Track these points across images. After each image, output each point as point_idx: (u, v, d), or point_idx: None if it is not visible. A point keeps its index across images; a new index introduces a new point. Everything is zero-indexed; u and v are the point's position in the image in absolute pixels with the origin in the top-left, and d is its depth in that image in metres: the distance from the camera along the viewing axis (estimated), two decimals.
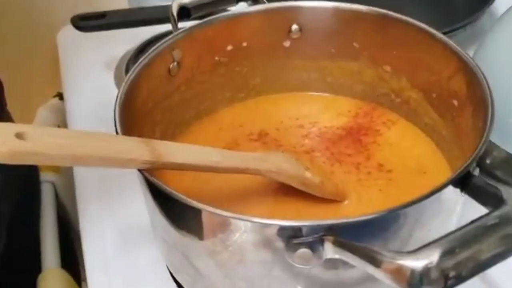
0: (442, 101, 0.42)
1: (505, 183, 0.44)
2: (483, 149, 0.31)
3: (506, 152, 0.44)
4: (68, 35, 0.71)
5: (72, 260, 0.56)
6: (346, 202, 0.41)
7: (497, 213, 0.26)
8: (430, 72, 0.42)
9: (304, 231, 0.28)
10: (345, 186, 0.42)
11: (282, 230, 0.28)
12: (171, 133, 0.45)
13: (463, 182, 0.31)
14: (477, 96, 0.36)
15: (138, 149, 0.31)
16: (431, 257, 0.24)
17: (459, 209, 0.34)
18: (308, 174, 0.40)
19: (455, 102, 0.40)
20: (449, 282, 0.25)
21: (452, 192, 0.31)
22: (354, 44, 0.47)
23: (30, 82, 0.77)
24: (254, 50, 0.48)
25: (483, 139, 0.32)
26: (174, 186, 0.41)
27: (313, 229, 0.28)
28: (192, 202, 0.29)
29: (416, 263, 0.24)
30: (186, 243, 0.34)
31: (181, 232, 0.33)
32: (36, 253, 0.55)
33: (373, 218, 0.27)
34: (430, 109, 0.44)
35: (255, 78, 0.50)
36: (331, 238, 0.27)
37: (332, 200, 0.40)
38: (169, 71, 0.43)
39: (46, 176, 0.62)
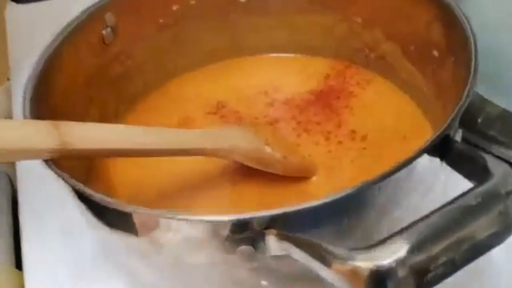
0: (421, 53, 0.36)
1: (501, 143, 0.39)
2: (465, 105, 0.25)
3: (501, 108, 0.39)
4: (16, 11, 0.64)
5: None
6: (314, 178, 0.35)
7: (481, 189, 0.20)
8: (406, 20, 0.36)
9: (242, 226, 0.22)
10: (313, 159, 0.36)
11: (216, 226, 0.22)
12: (114, 111, 0.39)
13: (442, 149, 0.25)
14: (459, 43, 0.30)
15: (40, 135, 0.25)
16: (396, 254, 0.19)
17: (442, 183, 0.28)
18: (267, 149, 0.34)
19: (435, 53, 0.34)
20: (424, 282, 0.19)
21: (429, 162, 0.25)
22: None
23: None
24: (205, 8, 0.41)
25: (465, 92, 0.25)
26: (118, 173, 0.36)
27: (252, 223, 0.22)
28: (106, 200, 0.23)
29: (376, 263, 0.19)
30: (118, 243, 0.28)
31: (110, 231, 0.27)
32: None
33: (322, 205, 0.21)
34: (408, 63, 0.38)
35: (211, 41, 0.43)
36: (273, 231, 0.22)
37: (299, 178, 0.35)
38: (102, 38, 0.37)
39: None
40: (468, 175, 0.23)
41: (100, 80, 0.38)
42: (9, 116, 0.57)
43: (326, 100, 0.40)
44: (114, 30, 0.38)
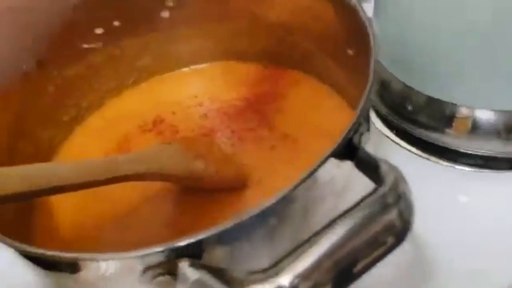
0: (338, 51, 0.36)
1: (431, 128, 0.40)
2: (365, 109, 0.26)
3: (425, 95, 0.40)
4: None
5: None
6: (249, 186, 0.36)
7: (368, 200, 0.21)
8: (318, 21, 0.36)
9: (151, 259, 0.23)
10: (248, 167, 0.37)
11: (131, 261, 0.23)
12: (48, 143, 0.39)
13: (349, 153, 0.26)
14: (363, 41, 0.30)
15: None
16: (283, 279, 0.19)
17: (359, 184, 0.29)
18: (198, 165, 0.34)
19: (350, 51, 0.35)
20: None
21: (336, 167, 0.26)
22: (231, 4, 0.41)
23: None
24: (129, 27, 0.42)
25: (366, 91, 0.26)
26: (63, 205, 0.37)
27: (163, 255, 0.22)
28: (17, 245, 0.24)
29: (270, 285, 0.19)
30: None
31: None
32: None
33: (226, 230, 0.22)
34: (330, 61, 0.38)
35: (141, 58, 0.44)
36: (186, 260, 0.22)
37: (235, 188, 0.35)
38: (28, 73, 0.37)
39: None
40: (372, 179, 0.24)
41: (30, 114, 0.38)
42: None
43: (257, 106, 0.41)
44: (39, 64, 0.38)
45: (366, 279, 0.21)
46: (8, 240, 0.24)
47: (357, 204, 0.21)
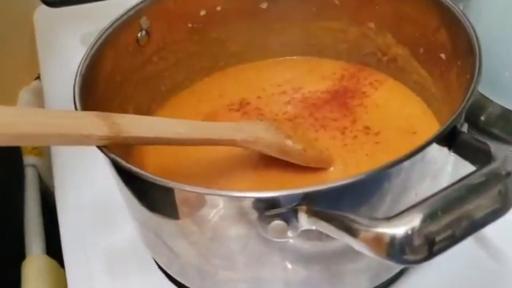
0: (430, 56, 0.39)
1: (502, 140, 0.42)
2: (470, 102, 0.28)
3: (502, 107, 0.42)
4: (44, 14, 0.68)
5: (57, 245, 0.55)
6: (331, 169, 0.38)
7: (484, 170, 0.23)
8: (415, 25, 0.39)
9: (275, 202, 0.25)
10: (330, 152, 0.39)
11: (253, 202, 0.26)
12: (147, 108, 0.43)
13: (450, 139, 0.28)
14: (464, 47, 0.33)
15: (94, 123, 0.28)
16: (412, 222, 0.22)
17: (450, 170, 0.31)
18: (288, 142, 0.37)
19: (443, 56, 0.37)
20: (435, 249, 0.22)
21: (438, 151, 0.28)
22: (335, 1, 0.44)
23: (10, 65, 0.75)
24: (229, 14, 0.45)
25: (470, 90, 0.29)
26: (151, 161, 0.40)
27: (285, 200, 0.25)
28: (153, 178, 0.27)
29: (395, 230, 0.22)
30: (156, 221, 0.31)
31: (149, 209, 0.31)
32: (20, 239, 0.53)
33: (347, 184, 0.25)
34: (418, 66, 0.41)
35: (234, 44, 0.47)
36: (304, 208, 0.25)
37: (317, 168, 0.38)
38: (137, 40, 0.41)
39: (28, 160, 0.60)
40: (473, 161, 0.26)
41: (135, 79, 0.41)
42: None
43: (341, 99, 0.44)
44: (148, 33, 0.41)
45: None
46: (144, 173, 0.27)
47: (472, 174, 0.23)
